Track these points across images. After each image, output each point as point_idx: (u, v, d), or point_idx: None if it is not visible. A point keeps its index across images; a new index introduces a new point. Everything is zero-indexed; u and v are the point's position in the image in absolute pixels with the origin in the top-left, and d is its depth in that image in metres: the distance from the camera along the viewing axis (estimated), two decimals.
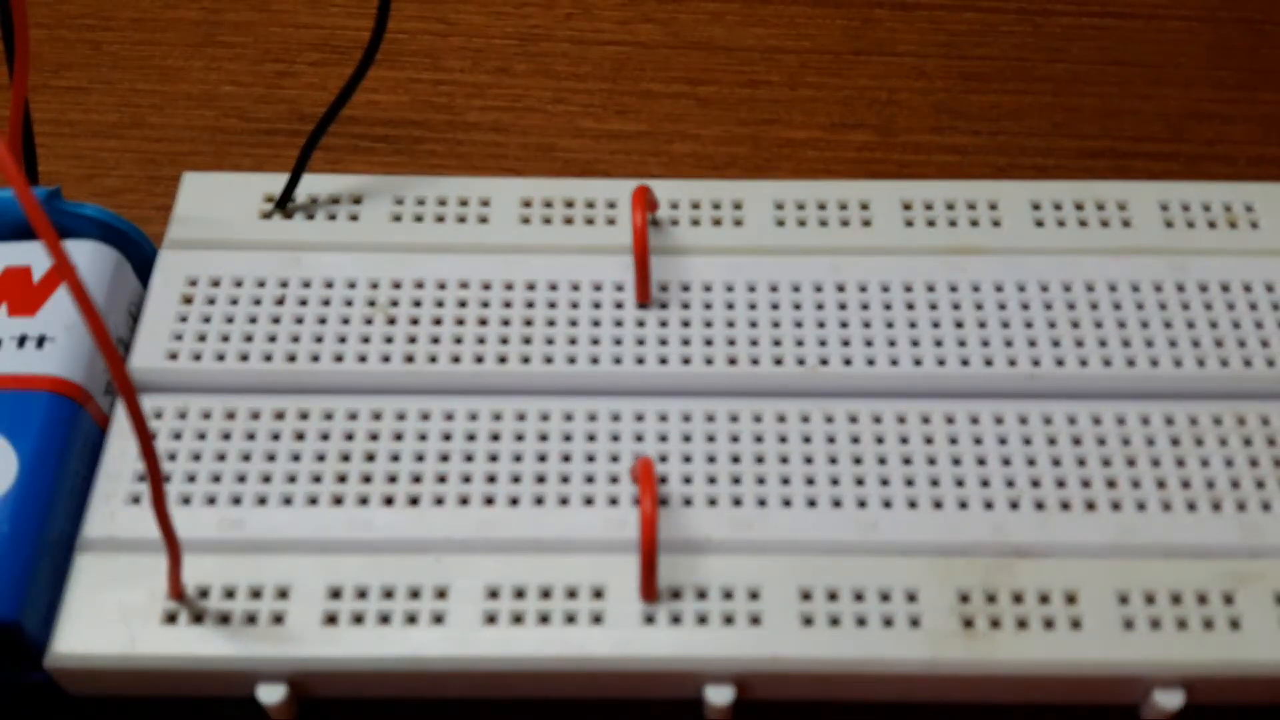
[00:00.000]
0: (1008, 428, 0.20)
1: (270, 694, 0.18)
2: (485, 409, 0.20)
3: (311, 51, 0.28)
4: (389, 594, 0.18)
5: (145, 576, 0.18)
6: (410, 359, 0.21)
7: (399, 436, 0.20)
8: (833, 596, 0.18)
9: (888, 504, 0.19)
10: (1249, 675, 0.18)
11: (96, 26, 0.28)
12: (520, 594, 0.19)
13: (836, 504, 0.19)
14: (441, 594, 0.18)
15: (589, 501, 0.19)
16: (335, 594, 0.18)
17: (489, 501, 0.19)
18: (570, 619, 0.18)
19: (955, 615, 0.18)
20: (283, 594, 0.18)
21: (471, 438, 0.20)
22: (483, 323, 0.21)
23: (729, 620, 0.18)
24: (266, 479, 0.19)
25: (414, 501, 0.19)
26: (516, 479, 0.20)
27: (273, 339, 0.21)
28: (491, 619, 0.18)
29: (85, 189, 0.26)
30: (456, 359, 0.21)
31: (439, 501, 0.19)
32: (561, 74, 0.28)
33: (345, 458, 0.20)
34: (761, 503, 0.19)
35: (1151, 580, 0.19)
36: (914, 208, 0.22)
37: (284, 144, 0.26)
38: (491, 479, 0.20)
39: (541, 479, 0.20)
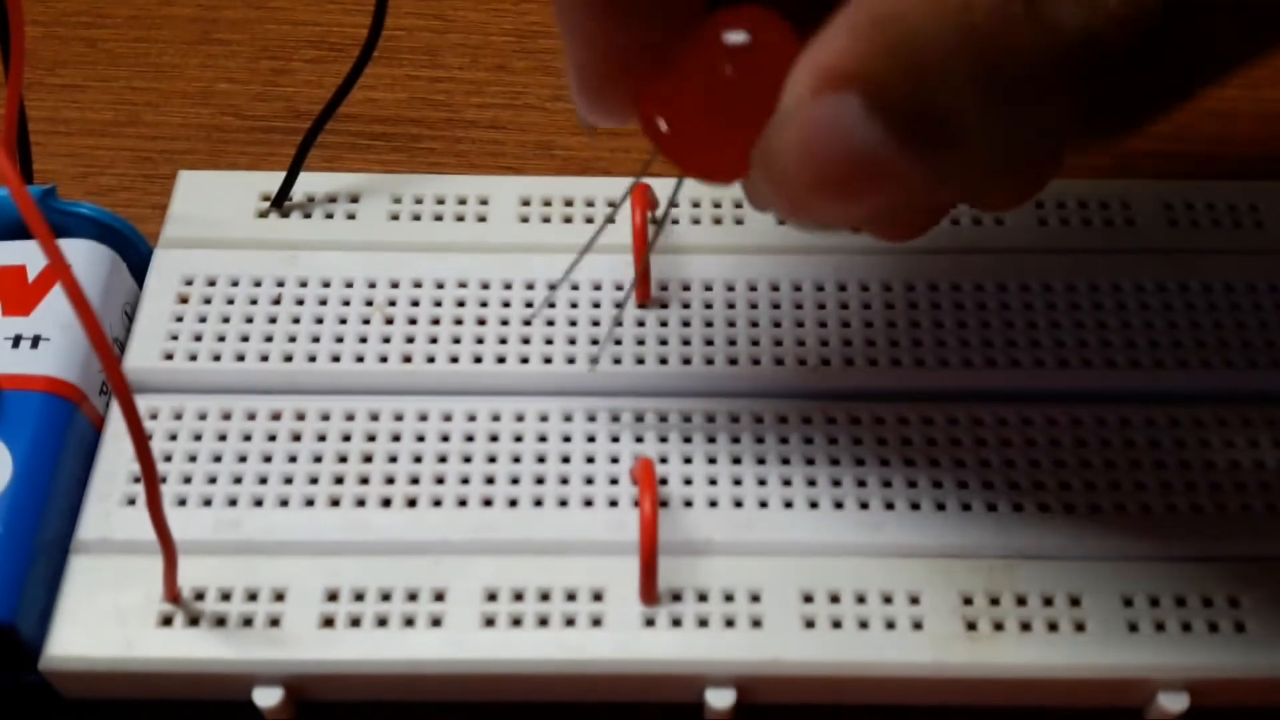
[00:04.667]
0: (1011, 429, 0.20)
1: (267, 697, 0.18)
2: (484, 409, 0.20)
3: (308, 49, 0.28)
4: (386, 596, 0.18)
5: (141, 578, 0.18)
6: (408, 359, 0.21)
7: (396, 437, 0.20)
8: (834, 599, 0.18)
9: (890, 505, 0.19)
10: (1254, 678, 0.18)
11: (92, 24, 0.28)
12: (519, 596, 0.18)
13: (838, 505, 0.19)
14: (439, 596, 0.18)
15: (588, 503, 0.19)
16: (332, 596, 0.18)
17: (487, 503, 0.19)
18: (569, 622, 0.18)
19: (958, 618, 0.18)
20: (279, 596, 0.18)
21: (470, 438, 0.20)
22: (481, 322, 0.21)
23: (730, 623, 0.18)
24: (263, 480, 0.19)
25: (412, 503, 0.19)
26: (515, 480, 0.19)
27: (269, 339, 0.21)
28: (490, 622, 0.18)
29: (80, 187, 0.25)
30: (455, 359, 0.21)
31: (437, 503, 0.19)
32: (561, 71, 0.28)
33: (342, 459, 0.20)
34: (763, 504, 0.19)
35: (1156, 583, 0.18)
36: None
37: (280, 142, 0.26)
38: (490, 480, 0.19)
39: (540, 480, 0.19)
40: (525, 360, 0.21)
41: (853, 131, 0.13)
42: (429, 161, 0.26)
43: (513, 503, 0.19)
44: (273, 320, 0.21)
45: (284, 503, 0.19)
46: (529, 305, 0.21)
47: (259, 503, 0.19)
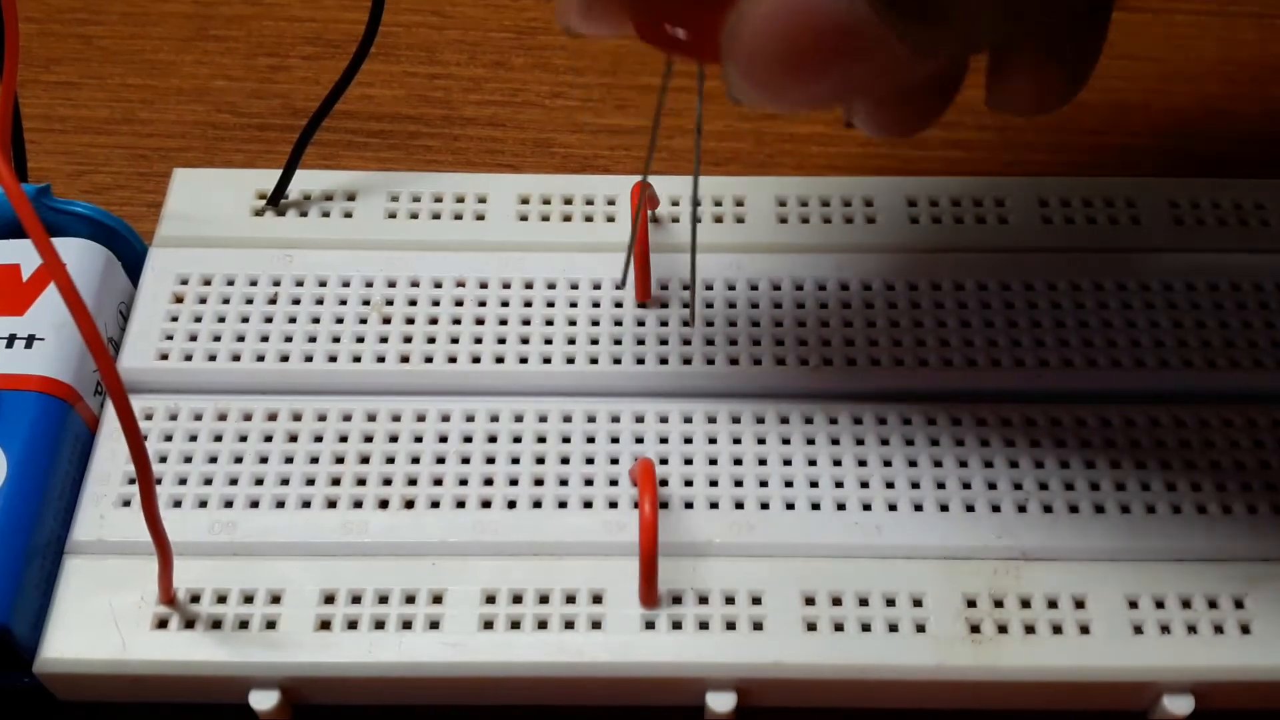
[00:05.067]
0: (1015, 429, 0.20)
1: (263, 700, 0.18)
2: (482, 410, 0.20)
3: (305, 45, 0.28)
4: (384, 598, 0.18)
5: (136, 580, 0.18)
6: (405, 359, 0.20)
7: (394, 438, 0.20)
8: (836, 601, 0.18)
9: (892, 507, 0.19)
10: (1259, 680, 0.18)
11: (87, 20, 0.28)
12: (518, 599, 0.18)
13: (840, 507, 0.19)
14: (437, 599, 0.18)
15: (588, 504, 0.19)
16: (329, 599, 0.18)
17: (486, 504, 0.19)
18: (569, 624, 0.18)
19: (961, 620, 0.18)
20: (276, 598, 0.18)
21: (468, 439, 0.20)
22: (479, 322, 0.21)
23: (731, 625, 0.18)
24: (259, 481, 0.19)
25: (409, 504, 0.19)
26: (514, 481, 0.19)
27: (265, 339, 0.20)
28: (488, 624, 0.18)
29: (75, 186, 0.25)
30: (453, 359, 0.20)
31: (435, 504, 0.19)
32: (560, 68, 0.27)
33: (339, 460, 0.19)
34: (764, 505, 0.19)
35: (1161, 584, 0.18)
36: (919, 204, 0.22)
37: (277, 139, 0.26)
38: (488, 481, 0.19)
39: (539, 481, 0.19)
40: (524, 360, 0.20)
41: (829, 3, 0.13)
42: (426, 159, 0.26)
43: (511, 504, 0.19)
44: (269, 320, 0.21)
45: (280, 504, 0.19)
46: (528, 305, 0.21)
47: (255, 504, 0.19)
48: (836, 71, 0.13)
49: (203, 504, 0.19)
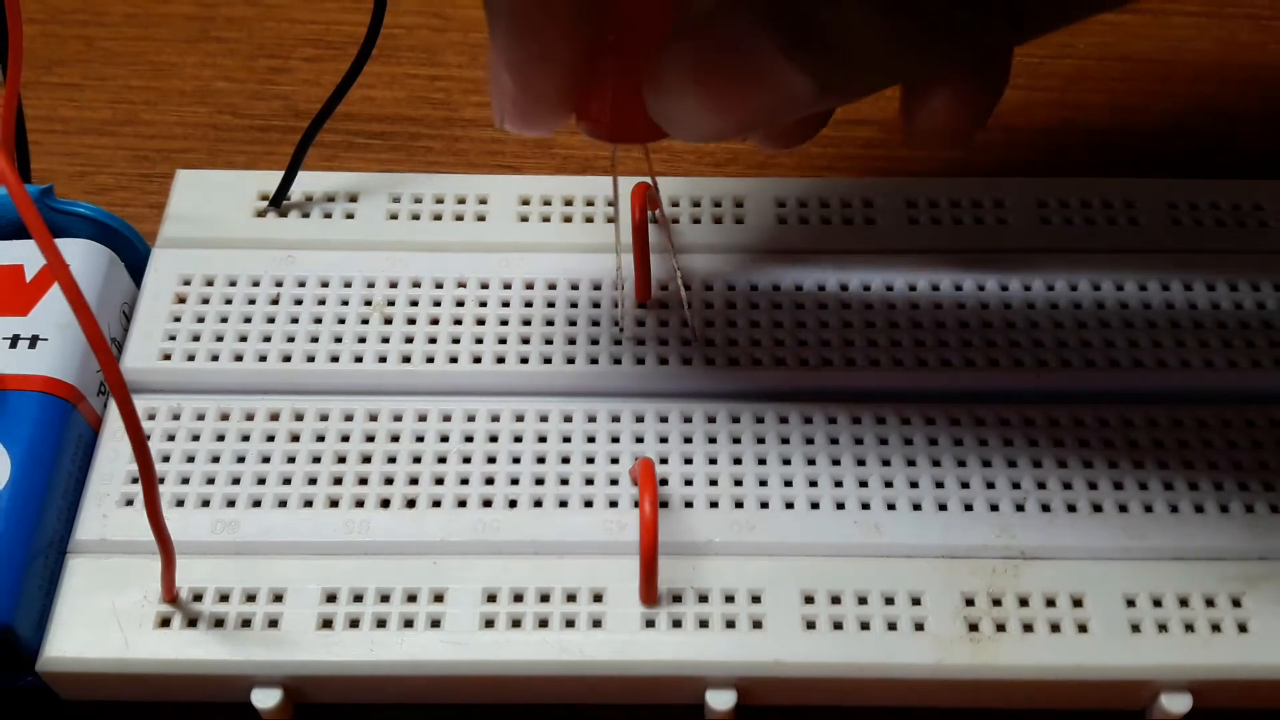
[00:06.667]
0: (1014, 429, 0.20)
1: (265, 699, 0.18)
2: (483, 410, 0.20)
3: (306, 47, 0.28)
4: (385, 597, 0.18)
5: (139, 580, 0.18)
6: (407, 359, 0.20)
7: (395, 438, 0.20)
8: (836, 600, 0.18)
9: (891, 506, 0.19)
10: (1257, 679, 0.18)
11: (90, 22, 0.28)
12: (518, 597, 0.18)
13: (839, 506, 0.19)
14: (439, 597, 0.18)
15: (588, 503, 0.19)
16: (331, 598, 0.18)
17: (487, 504, 0.19)
18: (569, 623, 0.18)
19: (960, 619, 0.18)
20: (278, 597, 0.18)
21: (469, 439, 0.20)
22: (480, 322, 0.21)
23: (730, 624, 0.18)
24: (261, 481, 0.19)
25: (411, 504, 0.19)
26: (515, 481, 0.19)
27: (267, 339, 0.21)
28: (489, 623, 0.18)
29: (78, 187, 0.25)
30: (454, 359, 0.20)
31: (436, 504, 0.19)
32: None
33: (341, 459, 0.19)
34: (763, 505, 0.19)
35: (1158, 583, 0.18)
36: (918, 205, 0.22)
37: (278, 141, 0.26)
38: (489, 481, 0.19)
39: (540, 481, 0.19)
40: (525, 360, 0.20)
41: (741, 42, 0.14)
42: (427, 160, 0.26)
43: (512, 503, 0.19)
44: (271, 320, 0.21)
45: (282, 503, 0.19)
46: (528, 305, 0.21)
47: (257, 503, 0.19)
48: (745, 103, 0.15)
49: (205, 503, 0.19)
